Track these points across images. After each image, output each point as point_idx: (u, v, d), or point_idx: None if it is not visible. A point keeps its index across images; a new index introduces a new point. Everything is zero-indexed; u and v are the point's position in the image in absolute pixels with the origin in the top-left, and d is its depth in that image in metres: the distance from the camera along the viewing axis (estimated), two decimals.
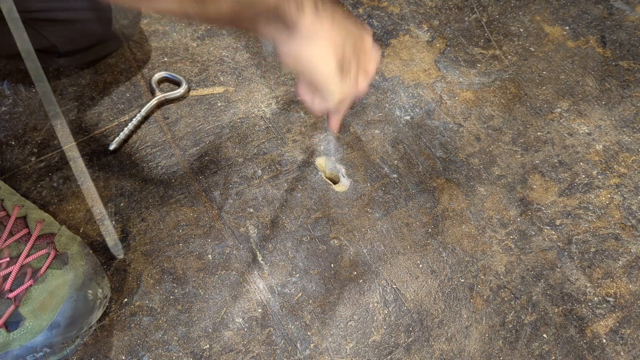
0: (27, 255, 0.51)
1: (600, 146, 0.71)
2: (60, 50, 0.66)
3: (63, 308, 0.49)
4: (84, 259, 0.54)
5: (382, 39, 0.81)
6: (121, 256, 0.58)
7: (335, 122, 0.49)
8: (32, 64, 0.38)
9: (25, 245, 0.51)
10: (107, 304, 0.56)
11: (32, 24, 0.61)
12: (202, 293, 0.58)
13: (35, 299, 0.49)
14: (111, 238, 0.56)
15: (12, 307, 0.48)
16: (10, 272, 0.50)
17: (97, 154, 0.67)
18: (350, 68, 0.40)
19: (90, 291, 0.51)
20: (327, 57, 0.38)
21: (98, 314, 0.53)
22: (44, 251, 0.52)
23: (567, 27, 0.83)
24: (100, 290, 0.55)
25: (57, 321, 0.49)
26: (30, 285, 0.50)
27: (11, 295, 0.49)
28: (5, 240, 0.51)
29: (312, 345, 0.56)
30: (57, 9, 0.61)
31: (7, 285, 0.49)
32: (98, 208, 0.56)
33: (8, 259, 0.50)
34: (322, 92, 0.41)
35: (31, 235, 0.52)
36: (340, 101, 0.42)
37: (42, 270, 0.50)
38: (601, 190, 0.67)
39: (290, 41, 0.37)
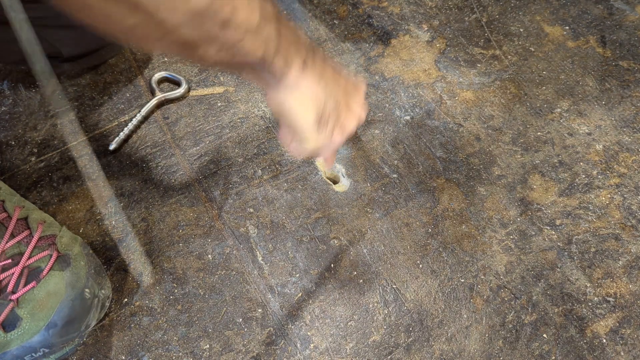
0: (29, 257, 0.51)
1: (600, 146, 0.71)
2: (65, 55, 0.67)
3: (60, 308, 0.49)
4: (86, 259, 0.54)
5: (382, 39, 0.81)
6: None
7: (328, 163, 0.52)
8: (40, 64, 0.39)
9: (27, 247, 0.51)
10: (109, 304, 0.56)
11: (36, 29, 0.61)
12: (202, 293, 0.58)
13: (33, 300, 0.49)
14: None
15: (9, 307, 0.48)
16: (12, 274, 0.50)
17: (97, 154, 0.67)
18: (328, 122, 0.43)
19: (87, 290, 0.51)
20: (307, 109, 0.41)
21: (97, 314, 0.53)
22: (45, 252, 0.52)
23: (567, 27, 0.83)
24: (102, 291, 0.55)
25: (54, 321, 0.49)
26: (33, 287, 0.50)
27: (14, 297, 0.49)
28: (7, 242, 0.51)
29: (312, 345, 0.56)
30: (59, 14, 0.61)
31: (10, 287, 0.49)
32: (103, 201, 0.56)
33: (10, 260, 0.50)
34: (299, 139, 0.44)
35: (33, 237, 0.52)
36: (314, 149, 0.45)
37: (44, 272, 0.50)
38: (601, 190, 0.67)
39: (275, 88, 0.40)
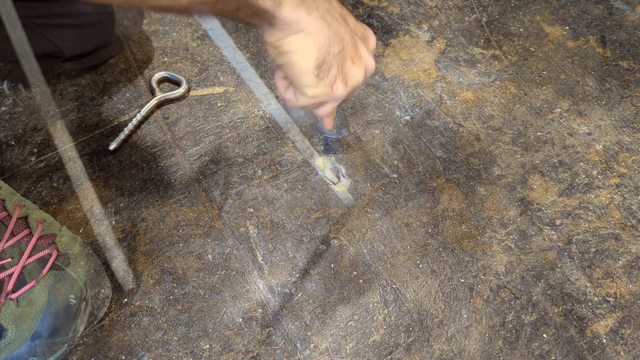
0: (29, 256, 0.51)
1: (600, 146, 0.71)
2: (67, 54, 0.67)
3: (43, 318, 0.49)
4: (85, 259, 0.54)
5: (382, 39, 0.81)
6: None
7: (327, 122, 0.47)
8: (30, 66, 0.38)
9: (27, 246, 0.51)
10: (109, 304, 0.56)
11: (40, 29, 0.62)
12: (202, 293, 0.58)
13: (15, 311, 0.48)
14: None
15: None
16: (12, 273, 0.49)
17: (97, 154, 0.67)
18: (331, 69, 0.38)
19: (72, 296, 0.51)
20: (307, 51, 0.36)
21: (85, 318, 0.52)
22: (45, 252, 0.52)
23: (567, 27, 0.83)
24: (102, 290, 0.55)
25: (39, 332, 0.48)
26: (33, 286, 0.49)
27: (13, 296, 0.49)
28: (7, 241, 0.51)
29: (312, 345, 0.56)
30: (64, 14, 0.62)
31: (10, 286, 0.49)
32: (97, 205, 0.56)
33: (10, 259, 0.50)
34: (295, 88, 0.39)
35: (32, 236, 0.52)
36: (312, 100, 0.40)
37: (44, 272, 0.50)
38: (601, 190, 0.67)
39: (272, 31, 0.35)
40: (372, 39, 0.43)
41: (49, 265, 0.51)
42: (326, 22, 0.36)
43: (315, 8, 0.35)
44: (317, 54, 0.36)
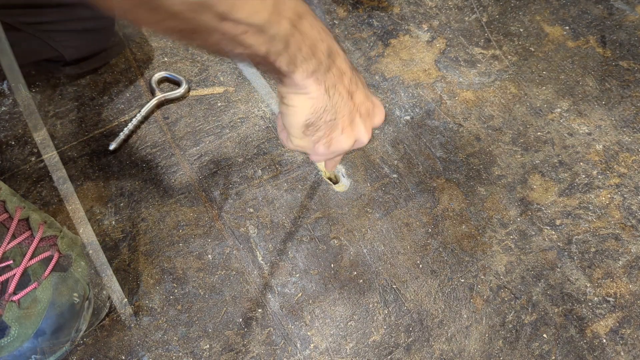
0: (31, 258, 0.51)
1: (600, 146, 0.71)
2: (67, 59, 0.67)
3: (47, 316, 0.49)
4: (86, 260, 0.54)
5: (382, 39, 0.81)
6: (129, 312, 0.57)
7: (327, 166, 0.52)
8: (11, 70, 0.39)
9: (29, 249, 0.51)
10: (109, 305, 0.56)
11: (40, 34, 0.62)
12: (202, 293, 0.58)
13: (19, 308, 0.49)
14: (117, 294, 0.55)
15: None
16: (13, 275, 0.49)
17: (97, 154, 0.67)
18: (317, 131, 0.43)
19: (75, 295, 0.51)
20: (300, 113, 0.41)
21: (88, 317, 0.53)
22: (47, 253, 0.52)
23: (567, 27, 0.83)
24: (103, 291, 0.55)
25: (42, 329, 0.49)
26: (35, 288, 0.49)
27: (15, 298, 0.49)
28: (8, 243, 0.51)
29: (312, 345, 0.56)
30: (65, 19, 0.62)
31: (11, 289, 0.49)
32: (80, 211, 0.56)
33: (11, 261, 0.50)
34: (287, 132, 0.44)
35: (34, 238, 0.52)
36: (296, 148, 0.45)
37: (46, 273, 0.50)
38: (601, 190, 0.67)
39: (282, 86, 0.40)
40: (379, 116, 0.47)
41: (50, 266, 0.51)
42: (328, 94, 0.41)
43: (323, 81, 0.40)
44: (310, 115, 0.41)
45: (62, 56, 0.66)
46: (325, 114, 0.42)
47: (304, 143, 0.44)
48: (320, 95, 0.40)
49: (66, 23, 0.63)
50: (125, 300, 0.57)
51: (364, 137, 0.45)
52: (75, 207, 0.63)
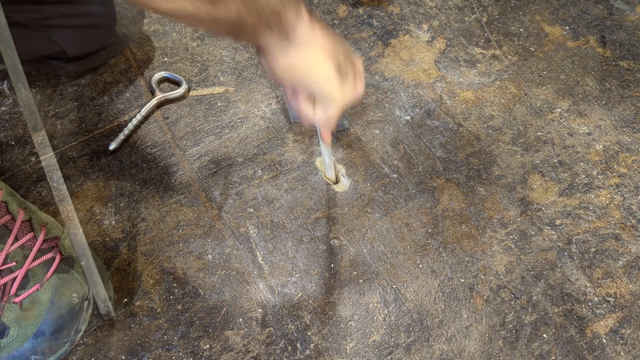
0: (33, 260, 0.51)
1: (600, 146, 0.71)
2: (70, 55, 0.67)
3: (46, 317, 0.49)
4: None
5: (382, 39, 0.81)
6: (112, 315, 0.56)
7: (326, 134, 0.49)
8: (17, 77, 0.38)
9: (31, 250, 0.51)
10: (111, 305, 0.56)
11: (43, 30, 0.62)
12: (202, 293, 0.58)
13: (17, 309, 0.48)
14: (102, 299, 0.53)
15: None
16: (15, 277, 0.49)
17: (97, 154, 0.67)
18: (348, 72, 0.41)
19: (74, 295, 0.51)
20: (325, 63, 0.39)
21: (87, 317, 0.52)
22: (49, 255, 0.52)
23: (567, 27, 0.83)
24: (106, 292, 0.54)
25: (42, 330, 0.48)
26: (37, 290, 0.49)
27: (17, 299, 0.48)
28: (11, 245, 0.51)
29: (312, 345, 0.56)
30: (67, 15, 0.63)
31: (13, 290, 0.49)
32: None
33: (14, 263, 0.50)
34: (323, 99, 0.41)
35: (37, 240, 0.52)
36: (343, 104, 0.42)
37: (48, 275, 0.50)
38: (601, 190, 0.67)
39: (286, 50, 0.38)
40: (356, 56, 0.47)
41: (52, 268, 0.51)
42: (327, 32, 0.39)
43: (318, 22, 0.39)
44: (334, 62, 0.39)
45: (64, 52, 0.67)
46: (339, 51, 0.40)
47: (347, 92, 0.41)
48: (324, 37, 0.38)
49: (68, 19, 0.63)
50: (125, 300, 0.57)
51: (362, 71, 0.44)
52: (75, 207, 0.63)
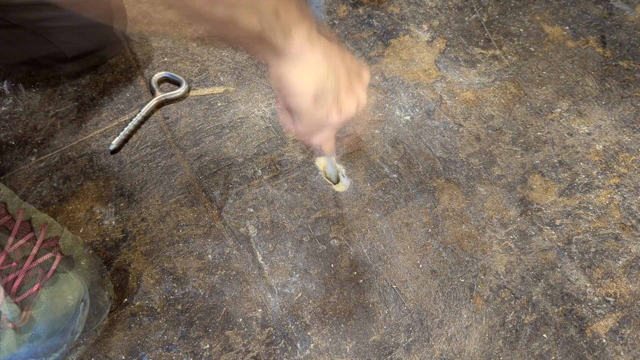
0: (34, 260, 0.51)
1: (600, 146, 0.71)
2: (67, 55, 0.67)
3: (42, 320, 0.49)
4: (88, 260, 0.54)
5: (382, 39, 0.81)
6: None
7: (327, 149, 0.50)
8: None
9: (31, 250, 0.51)
10: (111, 305, 0.56)
11: (40, 31, 0.63)
12: (202, 293, 0.58)
13: (14, 312, 0.49)
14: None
15: (25, 312, 0.48)
16: (16, 277, 0.49)
17: (97, 154, 0.67)
18: (326, 101, 0.41)
19: (70, 297, 0.51)
20: (306, 80, 0.40)
21: (84, 318, 0.52)
22: (49, 255, 0.52)
23: (567, 27, 0.83)
24: (105, 292, 0.55)
25: (37, 333, 0.48)
26: (38, 289, 0.49)
27: (18, 299, 0.48)
28: (11, 245, 0.51)
29: (312, 345, 0.56)
30: (64, 16, 0.63)
31: (13, 290, 0.49)
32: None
33: (15, 263, 0.50)
34: (295, 113, 0.43)
35: (37, 240, 0.52)
36: (309, 126, 0.43)
37: (48, 274, 0.50)
38: (601, 190, 0.67)
39: (278, 61, 0.39)
40: (367, 75, 0.47)
41: (52, 268, 0.51)
42: (327, 56, 0.40)
43: (319, 46, 0.39)
44: (315, 83, 0.40)
45: (62, 52, 0.67)
46: (330, 77, 0.40)
47: (317, 116, 0.42)
48: (320, 58, 0.39)
49: (63, 19, 0.63)
50: (126, 300, 0.57)
51: (363, 97, 0.45)
52: (75, 207, 0.63)
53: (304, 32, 0.38)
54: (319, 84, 0.40)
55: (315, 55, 0.39)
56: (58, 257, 0.52)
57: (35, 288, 0.49)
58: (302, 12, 0.38)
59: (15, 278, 0.49)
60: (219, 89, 0.74)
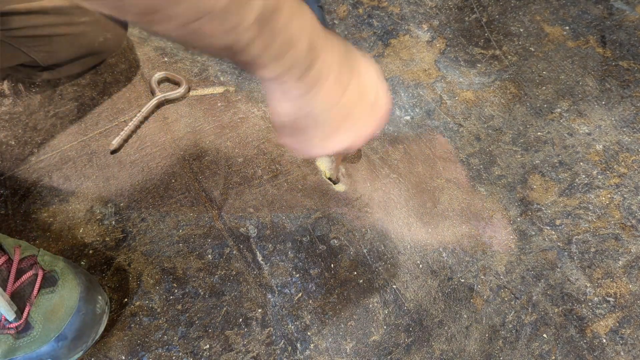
0: (15, 281, 0.48)
1: (600, 146, 0.71)
2: (42, 64, 0.66)
3: (72, 320, 0.48)
4: (73, 272, 0.51)
5: (382, 39, 0.81)
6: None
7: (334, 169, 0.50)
8: None
9: (10, 272, 0.48)
10: (108, 309, 0.55)
11: (12, 41, 0.61)
12: (202, 293, 0.58)
13: (47, 306, 0.48)
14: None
15: (26, 311, 0.48)
16: (37, 274, 0.49)
17: (97, 154, 0.67)
18: (297, 135, 0.40)
19: (98, 305, 0.51)
20: (276, 110, 0.38)
21: (104, 325, 0.53)
22: (30, 273, 0.49)
23: (567, 27, 0.83)
24: (98, 304, 0.53)
25: (65, 334, 0.48)
26: (29, 310, 0.48)
27: (10, 325, 0.47)
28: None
29: (312, 345, 0.56)
30: (36, 25, 0.61)
31: (3, 318, 0.47)
32: None
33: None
34: (307, 150, 0.41)
35: (12, 261, 0.49)
36: (281, 141, 0.42)
37: (34, 293, 0.48)
38: (601, 190, 0.67)
39: (299, 84, 0.36)
40: (385, 104, 0.43)
41: (37, 286, 0.49)
42: (309, 94, 0.37)
43: (303, 81, 0.36)
44: (284, 117, 0.38)
45: (35, 61, 0.65)
46: (305, 117, 0.37)
47: (285, 140, 0.40)
48: (296, 96, 0.36)
49: (35, 29, 0.61)
50: (125, 300, 0.57)
51: (362, 132, 0.41)
52: (75, 207, 0.63)
53: (283, 67, 0.35)
54: (286, 118, 0.38)
55: (294, 89, 0.36)
56: (40, 273, 0.50)
57: (26, 312, 0.47)
58: (288, 47, 0.34)
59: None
60: (219, 89, 0.74)
